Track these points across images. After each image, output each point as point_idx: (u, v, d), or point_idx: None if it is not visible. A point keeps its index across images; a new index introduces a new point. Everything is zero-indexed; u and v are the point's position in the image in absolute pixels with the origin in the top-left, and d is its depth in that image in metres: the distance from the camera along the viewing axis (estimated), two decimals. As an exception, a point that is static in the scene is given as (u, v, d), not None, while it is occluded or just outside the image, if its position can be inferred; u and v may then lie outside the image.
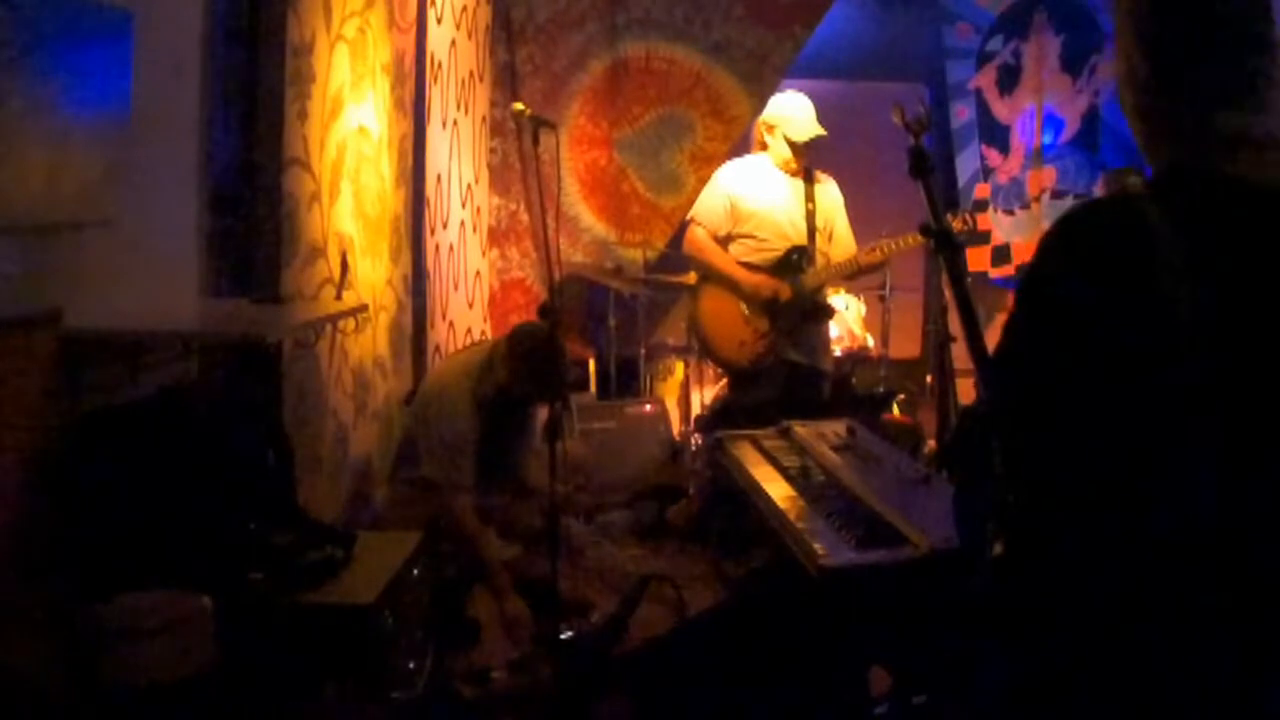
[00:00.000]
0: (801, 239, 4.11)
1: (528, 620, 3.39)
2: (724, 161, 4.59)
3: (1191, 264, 1.19)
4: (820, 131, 4.05)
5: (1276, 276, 1.19)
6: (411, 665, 2.51)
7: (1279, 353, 1.19)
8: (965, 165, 6.33)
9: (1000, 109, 6.24)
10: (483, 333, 5.30)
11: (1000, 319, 3.85)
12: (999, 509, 1.31)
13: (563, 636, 3.18)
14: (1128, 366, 1.23)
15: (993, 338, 1.37)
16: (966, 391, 3.73)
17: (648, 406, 5.13)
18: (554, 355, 3.32)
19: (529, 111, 3.36)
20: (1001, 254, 6.27)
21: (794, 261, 4.10)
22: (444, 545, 3.35)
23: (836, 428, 2.99)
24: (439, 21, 4.51)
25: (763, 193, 4.14)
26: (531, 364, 3.40)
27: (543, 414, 3.56)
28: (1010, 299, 3.97)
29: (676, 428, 5.19)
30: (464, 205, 5.02)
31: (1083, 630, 1.24)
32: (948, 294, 2.71)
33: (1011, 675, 1.34)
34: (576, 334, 5.55)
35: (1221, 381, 1.19)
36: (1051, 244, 1.32)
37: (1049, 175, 6.16)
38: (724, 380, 4.89)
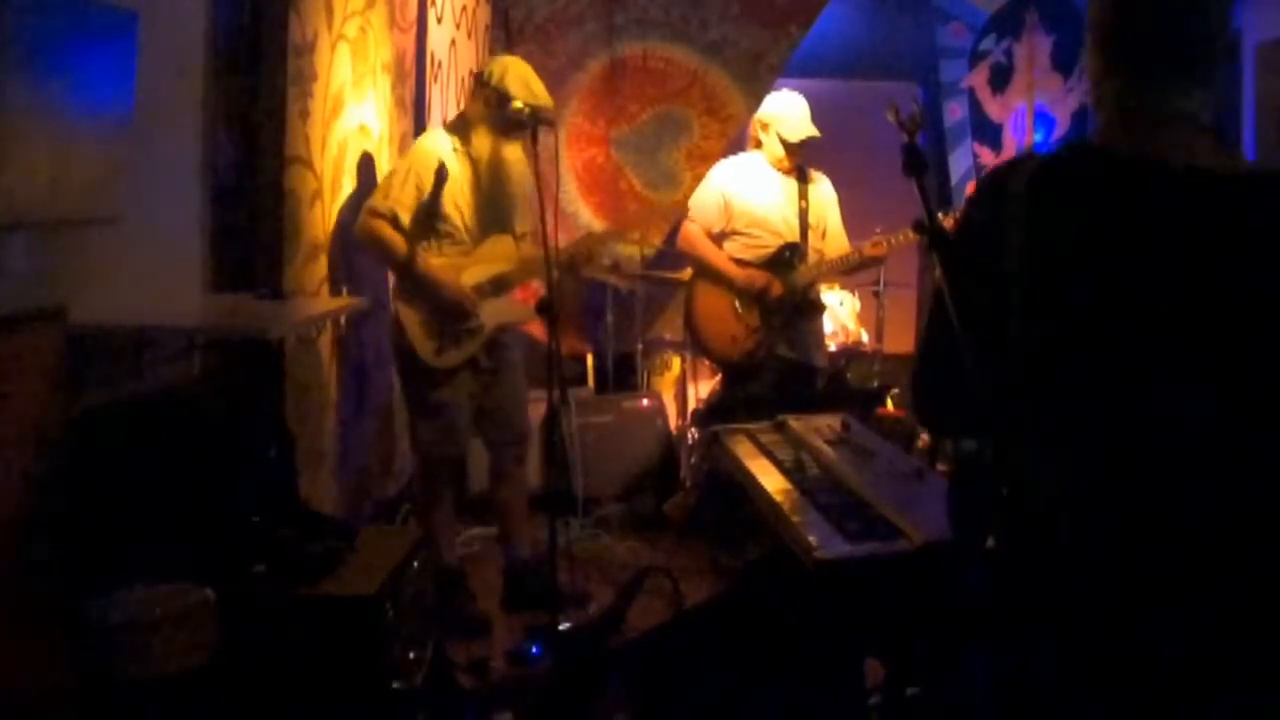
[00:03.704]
0: (794, 236, 4.14)
1: (468, 294, 3.42)
2: (720, 159, 4.61)
3: (1029, 228, 1.29)
4: (814, 132, 4.09)
5: (1161, 251, 1.24)
6: (412, 656, 2.53)
7: (1164, 341, 1.23)
8: (958, 163, 6.37)
9: (993, 107, 6.27)
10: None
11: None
12: (992, 502, 1.34)
13: (560, 628, 3.20)
14: (979, 326, 1.31)
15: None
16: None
17: (645, 401, 5.16)
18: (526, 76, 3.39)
19: (528, 109, 3.39)
20: (995, 251, 6.30)
21: (786, 258, 4.13)
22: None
23: (831, 422, 3.01)
24: (439, 21, 4.53)
25: (756, 191, 4.17)
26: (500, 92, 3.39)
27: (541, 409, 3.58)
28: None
29: (673, 422, 5.21)
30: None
31: (1074, 621, 1.27)
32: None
33: (1003, 666, 1.36)
34: (574, 329, 5.57)
35: (1047, 352, 1.27)
36: (972, 195, 1.48)
37: (1042, 173, 6.19)
38: (720, 375, 4.92)
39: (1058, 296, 1.26)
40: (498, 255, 3.56)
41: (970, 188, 6.30)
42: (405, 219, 3.34)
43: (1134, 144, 1.30)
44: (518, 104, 3.36)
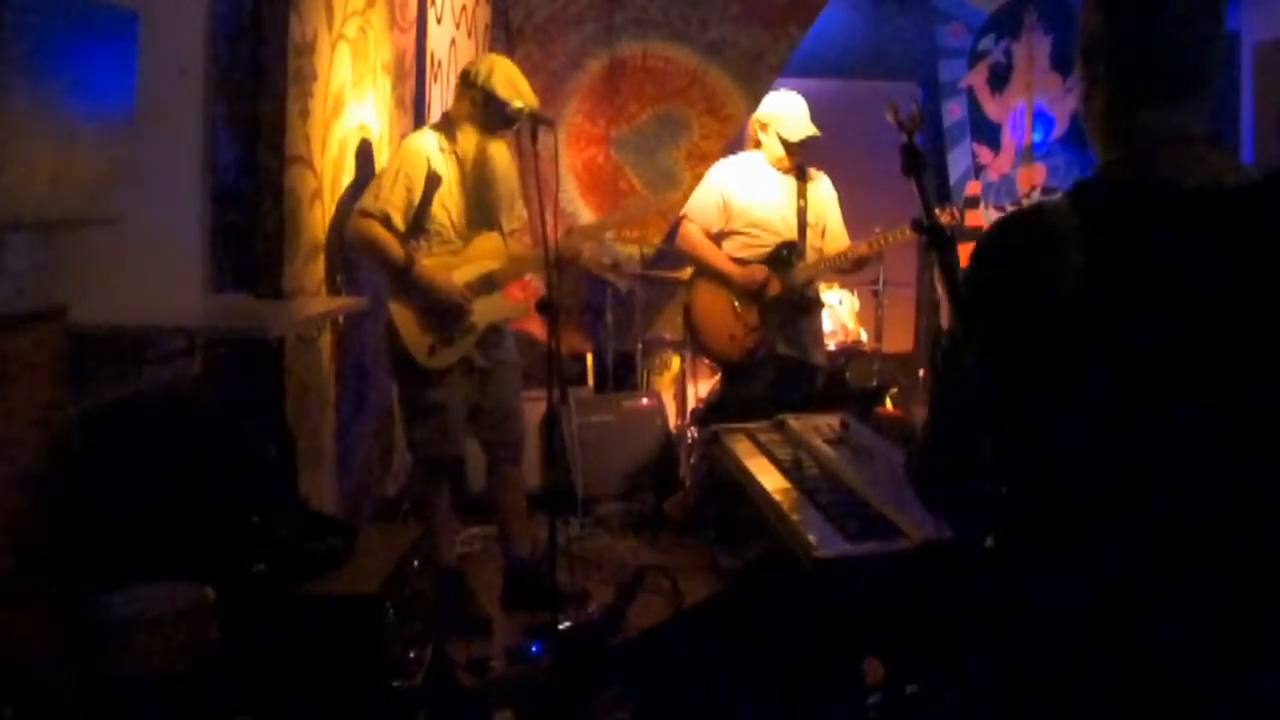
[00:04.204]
0: (793, 235, 4.15)
1: (461, 291, 3.44)
2: (719, 159, 4.62)
3: (1091, 268, 1.24)
4: (813, 131, 4.09)
5: (1172, 277, 1.23)
6: (412, 655, 2.54)
7: (1173, 355, 1.23)
8: (957, 163, 6.38)
9: (991, 107, 6.28)
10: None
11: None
12: (991, 502, 1.34)
13: (560, 627, 3.21)
14: (1037, 372, 1.28)
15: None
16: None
17: (644, 400, 5.17)
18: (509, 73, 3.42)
19: (527, 110, 3.40)
20: (994, 250, 6.31)
21: (784, 257, 4.14)
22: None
23: (830, 421, 3.02)
24: (439, 21, 4.53)
25: (755, 190, 4.17)
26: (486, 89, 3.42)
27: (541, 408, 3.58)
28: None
29: (673, 421, 5.22)
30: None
31: (1073, 621, 1.27)
32: (940, 289, 2.74)
33: (1002, 666, 1.36)
34: (574, 329, 5.58)
35: (1120, 387, 1.24)
36: (981, 251, 1.38)
37: (1039, 172, 6.20)
38: (719, 374, 4.93)
39: (1117, 329, 1.25)
40: (487, 253, 3.57)
41: (970, 187, 6.31)
42: (397, 219, 3.35)
43: (1140, 169, 1.30)
44: (518, 104, 3.38)
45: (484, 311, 3.54)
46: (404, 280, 3.40)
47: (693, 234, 4.25)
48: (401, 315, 3.42)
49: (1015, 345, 1.30)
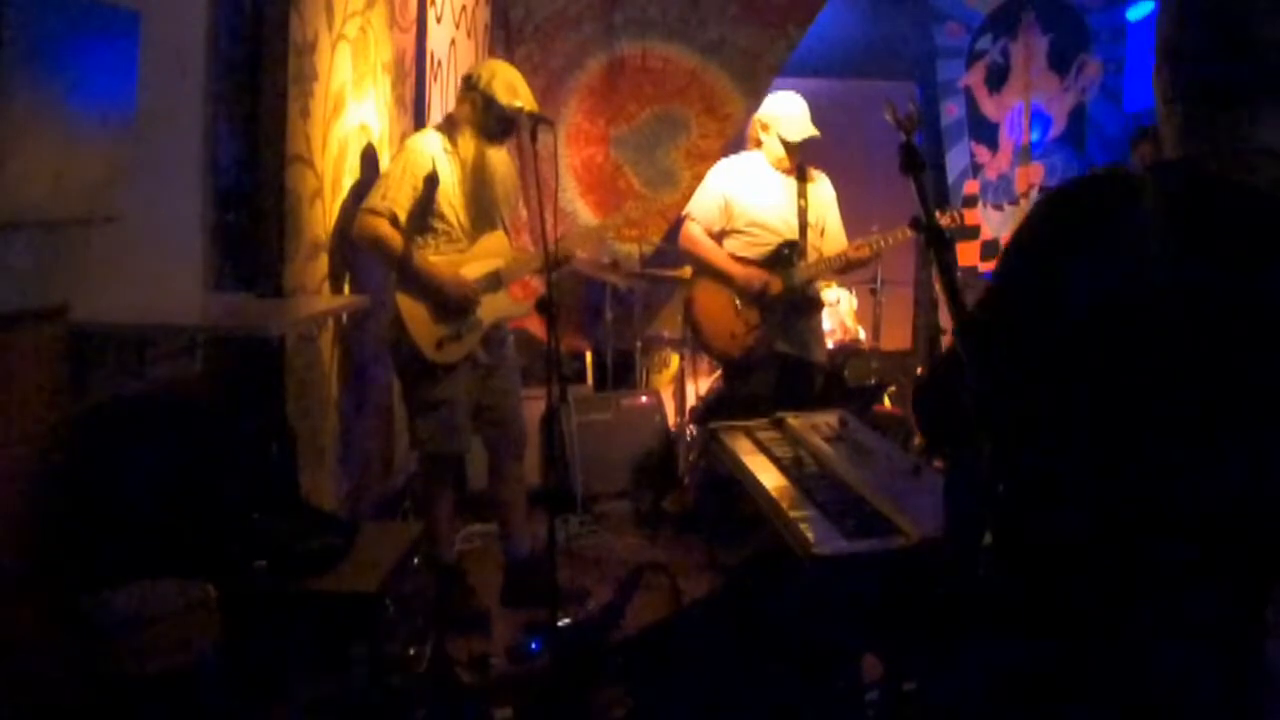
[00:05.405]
0: (794, 235, 4.16)
1: (470, 286, 3.46)
2: (718, 158, 4.63)
3: (1173, 248, 1.23)
4: (813, 132, 4.11)
5: (1245, 275, 1.22)
6: (412, 652, 2.55)
7: (1239, 346, 1.21)
8: (955, 162, 6.39)
9: (989, 107, 6.29)
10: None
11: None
12: (989, 499, 1.34)
13: (559, 624, 3.22)
14: (1103, 340, 1.25)
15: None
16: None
17: (643, 398, 5.18)
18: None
19: (527, 109, 3.41)
20: (990, 249, 6.33)
21: (785, 256, 4.15)
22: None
23: (829, 419, 3.02)
24: (439, 21, 4.54)
25: (757, 190, 4.19)
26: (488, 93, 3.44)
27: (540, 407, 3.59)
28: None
29: (672, 419, 5.23)
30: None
31: (1070, 618, 1.27)
32: (938, 288, 2.75)
33: (999, 663, 1.37)
34: (574, 327, 5.59)
35: (1186, 364, 1.22)
36: (1046, 211, 1.34)
37: (1036, 171, 6.22)
38: (719, 372, 4.94)
39: (1176, 314, 1.23)
40: (492, 252, 3.59)
41: (968, 186, 6.32)
42: (403, 218, 3.37)
43: (1243, 175, 1.28)
44: (517, 103, 3.41)
45: (490, 308, 3.56)
46: (413, 277, 3.42)
47: (695, 233, 4.27)
48: (409, 311, 3.44)
49: (1073, 293, 1.27)
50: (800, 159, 4.21)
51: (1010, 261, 1.36)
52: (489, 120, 3.48)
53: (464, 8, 4.96)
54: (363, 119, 3.64)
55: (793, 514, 2.28)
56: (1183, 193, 1.27)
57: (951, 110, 6.37)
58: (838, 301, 5.38)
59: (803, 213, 4.19)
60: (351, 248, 3.49)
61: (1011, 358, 1.32)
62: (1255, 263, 1.22)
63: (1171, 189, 1.27)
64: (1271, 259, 1.21)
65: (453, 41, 4.80)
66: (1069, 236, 1.30)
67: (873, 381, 5.13)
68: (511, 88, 3.46)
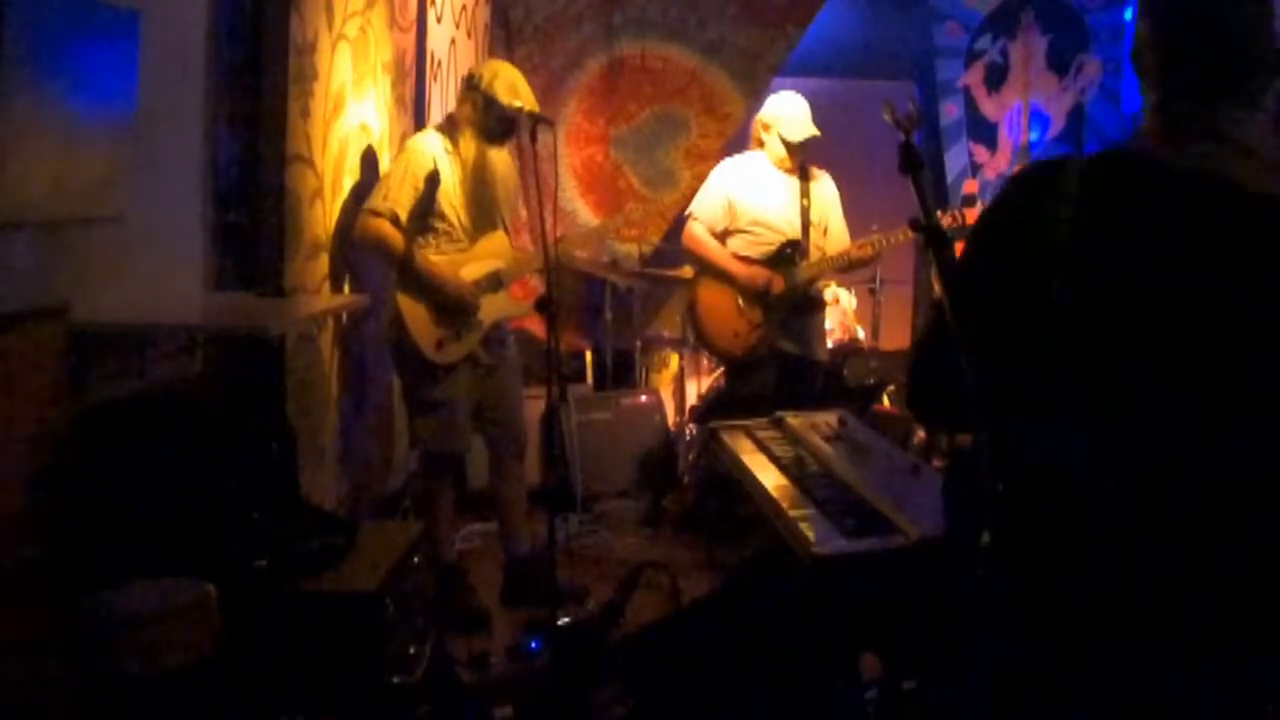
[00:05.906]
0: (796, 234, 4.17)
1: (470, 287, 3.47)
2: (718, 158, 4.64)
3: (1083, 230, 1.30)
4: (815, 132, 4.11)
5: (1160, 250, 1.26)
6: (412, 651, 2.55)
7: (1146, 323, 1.25)
8: (954, 161, 6.39)
9: (988, 106, 6.30)
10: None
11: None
12: (988, 499, 1.35)
13: (559, 623, 3.22)
14: (1020, 318, 1.34)
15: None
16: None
17: (643, 398, 5.18)
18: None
19: (528, 109, 3.41)
20: (991, 248, 6.32)
21: (788, 255, 4.16)
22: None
23: (828, 418, 3.03)
24: (439, 21, 4.54)
25: (759, 190, 4.19)
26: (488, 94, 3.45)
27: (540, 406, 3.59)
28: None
29: (672, 418, 5.23)
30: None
31: (1069, 617, 1.28)
32: (937, 287, 2.74)
33: (999, 661, 1.37)
34: (573, 327, 5.59)
35: (1089, 345, 1.28)
36: (994, 199, 1.48)
37: (1036, 171, 6.22)
38: (719, 371, 4.94)
39: (1095, 296, 1.28)
40: (493, 252, 3.60)
41: (967, 186, 6.32)
42: (405, 218, 3.37)
43: (1171, 155, 1.31)
44: (518, 103, 3.41)
45: (490, 309, 3.57)
46: (414, 277, 3.42)
47: (698, 233, 4.27)
48: (410, 311, 3.44)
49: (1006, 280, 1.36)
50: (803, 159, 4.22)
51: (966, 247, 1.47)
52: (490, 120, 3.48)
53: (464, 8, 4.96)
54: (363, 119, 3.64)
55: (793, 513, 2.29)
56: (1103, 175, 1.33)
57: (950, 110, 6.37)
58: (837, 301, 5.38)
59: (805, 212, 4.19)
60: (352, 247, 3.50)
61: (981, 340, 1.35)
62: (1173, 246, 1.25)
63: (1094, 173, 1.33)
64: (1190, 241, 1.24)
65: (453, 41, 4.80)
66: (1003, 220, 1.42)
67: (872, 381, 5.13)
68: (513, 88, 3.46)
